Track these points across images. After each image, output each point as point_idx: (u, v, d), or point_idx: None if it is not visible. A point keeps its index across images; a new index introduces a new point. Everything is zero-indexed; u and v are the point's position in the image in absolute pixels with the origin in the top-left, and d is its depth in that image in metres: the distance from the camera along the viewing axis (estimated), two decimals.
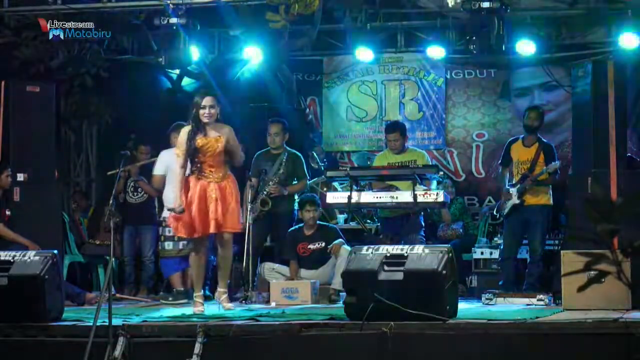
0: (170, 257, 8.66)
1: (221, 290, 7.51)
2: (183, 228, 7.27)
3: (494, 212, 9.56)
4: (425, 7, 10.26)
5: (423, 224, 8.94)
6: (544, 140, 9.08)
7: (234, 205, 7.29)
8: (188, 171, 7.33)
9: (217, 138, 7.23)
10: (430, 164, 8.82)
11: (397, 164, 8.83)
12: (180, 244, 8.59)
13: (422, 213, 8.90)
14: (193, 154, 7.23)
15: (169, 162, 8.77)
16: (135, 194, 9.67)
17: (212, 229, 7.20)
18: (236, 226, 7.36)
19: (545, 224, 8.84)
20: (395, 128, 9.23)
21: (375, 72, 11.50)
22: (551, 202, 8.82)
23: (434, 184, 8.32)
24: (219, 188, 7.23)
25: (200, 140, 7.21)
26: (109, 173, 10.75)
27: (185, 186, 7.27)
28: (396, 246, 6.53)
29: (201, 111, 7.22)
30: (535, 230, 8.77)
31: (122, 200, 9.77)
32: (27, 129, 9.05)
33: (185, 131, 7.29)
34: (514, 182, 8.96)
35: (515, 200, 8.81)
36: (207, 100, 7.24)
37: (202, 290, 7.53)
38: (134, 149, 9.82)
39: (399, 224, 8.70)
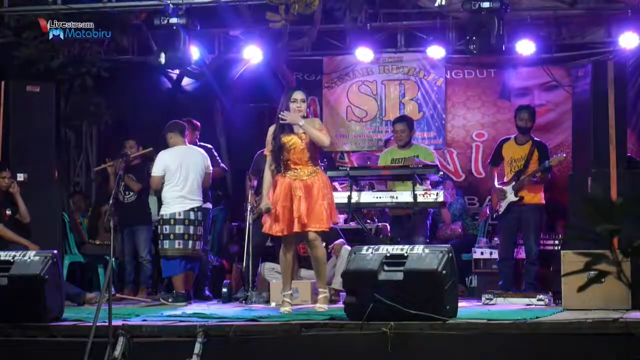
0: (173, 257, 8.63)
1: (319, 290, 7.37)
2: (270, 226, 7.22)
3: (487, 212, 9.59)
4: (425, 7, 10.27)
5: (428, 226, 9.02)
6: (537, 139, 9.11)
7: (322, 202, 7.13)
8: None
9: (301, 135, 7.16)
10: (433, 162, 8.83)
11: (401, 160, 8.87)
12: (176, 243, 8.56)
13: (430, 214, 8.99)
14: (279, 152, 7.19)
15: (167, 163, 8.77)
16: (127, 193, 9.66)
17: (296, 228, 7.10)
18: (323, 224, 7.16)
19: (539, 223, 8.87)
20: (403, 119, 9.41)
21: (375, 72, 11.49)
22: (543, 201, 8.85)
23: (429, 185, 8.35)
24: (304, 186, 7.12)
25: (284, 138, 7.17)
26: (96, 169, 10.79)
27: (273, 185, 7.22)
28: (396, 246, 6.53)
29: (292, 105, 7.18)
30: (528, 230, 8.80)
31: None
32: (27, 129, 9.06)
33: (270, 130, 7.28)
34: (505, 180, 8.98)
35: (512, 198, 8.83)
36: (297, 94, 7.22)
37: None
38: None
39: (408, 222, 8.73)
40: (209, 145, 9.64)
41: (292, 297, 7.44)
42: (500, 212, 8.98)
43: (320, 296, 7.30)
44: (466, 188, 11.15)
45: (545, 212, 8.95)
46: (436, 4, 8.90)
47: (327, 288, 7.44)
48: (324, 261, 7.42)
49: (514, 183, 8.85)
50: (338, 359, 6.14)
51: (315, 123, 7.37)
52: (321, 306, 7.18)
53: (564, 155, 8.87)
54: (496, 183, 9.12)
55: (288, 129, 7.20)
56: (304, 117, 7.22)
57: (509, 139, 9.19)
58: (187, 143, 8.99)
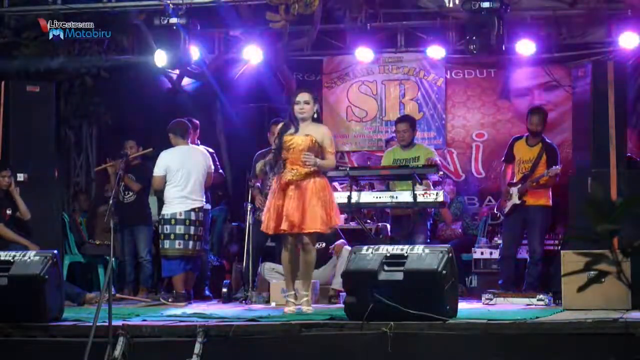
0: (174, 257, 8.62)
1: (302, 294, 7.30)
2: (266, 224, 7.24)
3: (494, 211, 9.58)
4: (425, 7, 10.27)
5: (429, 226, 9.02)
6: (548, 141, 9.07)
7: (316, 204, 7.08)
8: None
9: (304, 137, 7.16)
10: (433, 162, 8.82)
11: (403, 161, 8.87)
12: (177, 243, 8.55)
13: (431, 214, 9.00)
14: (279, 150, 7.20)
15: (168, 163, 8.76)
16: (127, 193, 9.65)
17: (283, 227, 7.09)
18: (316, 226, 7.10)
19: (545, 224, 8.84)
20: (405, 119, 9.37)
21: (375, 72, 11.50)
22: (550, 203, 8.83)
23: (430, 185, 8.35)
24: (297, 187, 7.11)
25: (287, 137, 7.18)
26: (96, 169, 10.79)
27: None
28: (396, 246, 6.53)
29: (295, 107, 7.20)
30: (534, 230, 8.78)
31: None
32: (27, 129, 9.06)
33: (277, 127, 7.39)
34: (514, 180, 8.97)
35: (515, 200, 8.82)
36: (301, 96, 7.23)
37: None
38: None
39: (408, 222, 8.74)
40: (211, 150, 9.65)
41: (296, 297, 7.44)
42: (505, 212, 8.97)
43: (304, 299, 7.24)
44: (466, 188, 11.16)
45: (551, 214, 8.92)
46: (450, 5, 8.90)
47: (310, 292, 7.36)
48: (312, 265, 7.36)
49: (519, 185, 8.84)
50: (338, 359, 6.14)
51: (322, 130, 7.31)
52: (307, 308, 7.19)
53: (559, 168, 8.79)
54: (507, 181, 9.08)
55: (295, 128, 7.21)
56: (314, 120, 7.25)
57: (521, 137, 9.12)
58: (189, 143, 8.98)
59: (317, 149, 7.18)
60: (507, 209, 8.92)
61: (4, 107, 9.04)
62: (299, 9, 9.11)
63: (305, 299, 7.25)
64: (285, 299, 7.38)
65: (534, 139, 8.96)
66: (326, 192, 7.22)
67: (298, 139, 7.16)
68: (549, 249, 9.19)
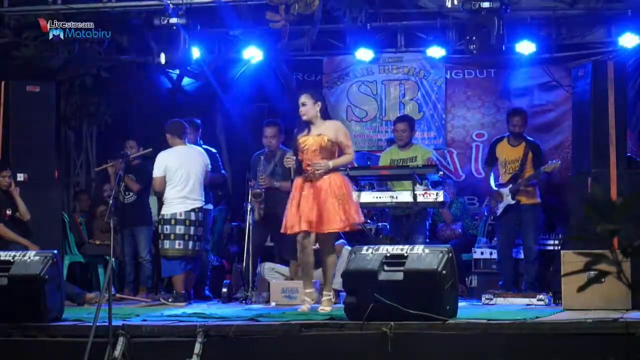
0: (174, 257, 8.62)
1: (324, 292, 7.40)
2: (284, 225, 7.30)
3: (485, 214, 9.61)
4: (425, 7, 10.26)
5: (428, 226, 9.02)
6: (530, 139, 9.13)
7: (333, 202, 7.16)
8: None
9: (317, 136, 7.27)
10: (433, 162, 8.83)
11: (400, 161, 8.88)
12: (177, 243, 8.55)
13: (430, 214, 9.00)
14: (297, 153, 7.32)
15: (167, 163, 8.76)
16: (127, 193, 9.65)
17: (303, 227, 7.16)
18: (334, 225, 7.20)
19: (538, 222, 8.90)
20: (404, 119, 9.44)
21: (375, 72, 11.49)
22: (539, 199, 8.88)
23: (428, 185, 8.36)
24: (312, 186, 7.20)
25: (300, 138, 7.30)
26: (97, 169, 10.80)
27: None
28: (396, 246, 6.53)
29: (299, 110, 7.34)
30: (528, 229, 8.82)
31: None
32: (27, 129, 9.06)
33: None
34: (501, 181, 9.00)
35: (509, 201, 8.85)
36: (300, 99, 7.37)
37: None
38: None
39: (407, 222, 8.74)
40: (213, 150, 9.65)
41: (313, 296, 7.46)
42: (497, 214, 9.00)
43: (324, 299, 7.31)
44: (466, 188, 11.15)
45: (542, 211, 8.98)
46: (448, 4, 8.92)
47: (332, 291, 7.46)
48: (331, 265, 7.44)
49: (510, 186, 8.87)
50: (338, 359, 6.14)
51: (335, 126, 7.46)
52: (324, 308, 7.20)
53: (559, 162, 8.85)
54: (493, 184, 9.13)
55: (307, 129, 7.29)
56: (325, 118, 7.38)
57: (502, 139, 9.21)
58: (186, 143, 8.97)
59: (331, 148, 7.27)
60: (499, 211, 8.95)
61: (4, 107, 9.04)
62: (299, 8, 9.11)
63: (325, 299, 7.30)
64: (303, 298, 7.42)
65: (516, 139, 9.02)
66: (343, 189, 7.27)
67: (310, 139, 7.26)
68: (549, 249, 9.20)
